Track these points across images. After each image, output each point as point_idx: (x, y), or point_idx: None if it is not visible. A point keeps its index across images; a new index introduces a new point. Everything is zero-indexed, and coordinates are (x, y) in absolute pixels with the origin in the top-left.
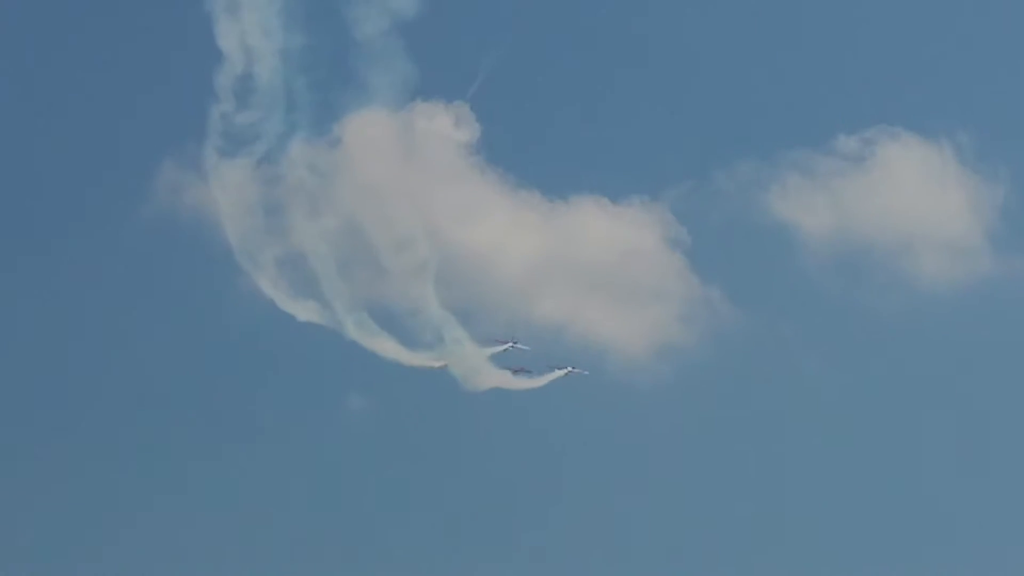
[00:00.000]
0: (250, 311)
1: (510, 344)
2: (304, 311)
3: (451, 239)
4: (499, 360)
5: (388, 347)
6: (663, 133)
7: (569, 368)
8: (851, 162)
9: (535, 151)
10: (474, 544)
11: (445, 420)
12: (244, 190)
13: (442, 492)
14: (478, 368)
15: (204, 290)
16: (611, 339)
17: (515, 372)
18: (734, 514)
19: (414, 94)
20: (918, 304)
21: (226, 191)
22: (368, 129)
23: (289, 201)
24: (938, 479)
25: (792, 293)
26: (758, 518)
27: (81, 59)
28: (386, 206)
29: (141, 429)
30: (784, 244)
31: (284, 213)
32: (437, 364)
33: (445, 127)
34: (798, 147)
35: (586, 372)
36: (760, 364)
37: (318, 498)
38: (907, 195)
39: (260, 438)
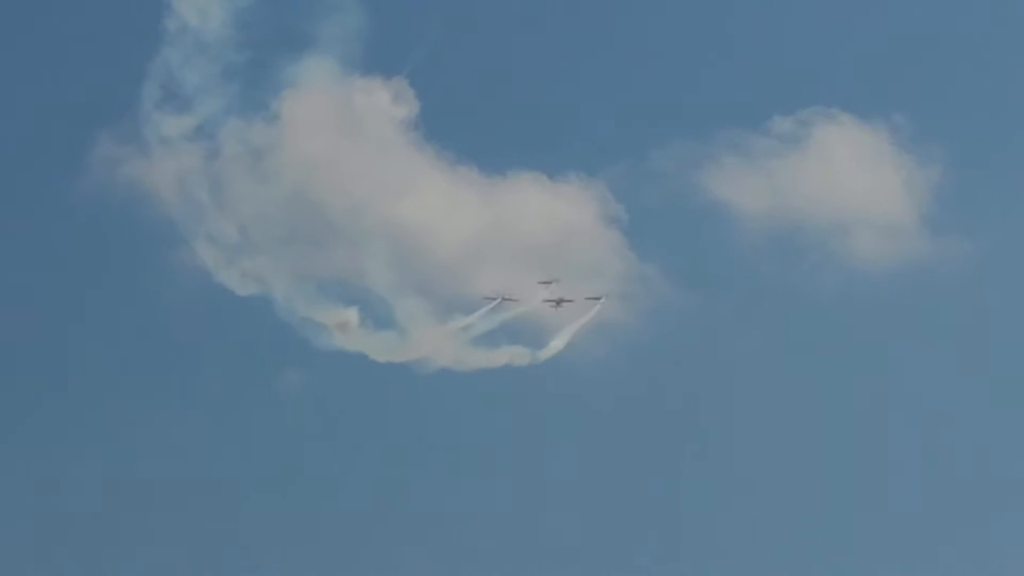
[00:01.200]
0: (188, 285)
1: (553, 282)
2: (242, 285)
3: (389, 215)
4: (542, 294)
5: (333, 322)
6: (601, 111)
7: (604, 296)
8: (787, 143)
9: (473, 127)
10: (409, 523)
11: (381, 398)
12: (182, 165)
13: (376, 470)
14: (435, 344)
15: (142, 264)
16: (548, 316)
17: (557, 303)
18: (670, 493)
19: (352, 69)
20: (853, 284)
21: (164, 166)
22: (306, 104)
23: (227, 176)
24: (872, 457)
25: (728, 272)
26: (694, 496)
27: (14, 32)
28: (324, 181)
29: (76, 403)
30: (720, 223)
31: (222, 188)
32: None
33: (383, 103)
34: (734, 127)
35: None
36: (696, 342)
37: (251, 475)
38: (843, 176)
39: (196, 413)
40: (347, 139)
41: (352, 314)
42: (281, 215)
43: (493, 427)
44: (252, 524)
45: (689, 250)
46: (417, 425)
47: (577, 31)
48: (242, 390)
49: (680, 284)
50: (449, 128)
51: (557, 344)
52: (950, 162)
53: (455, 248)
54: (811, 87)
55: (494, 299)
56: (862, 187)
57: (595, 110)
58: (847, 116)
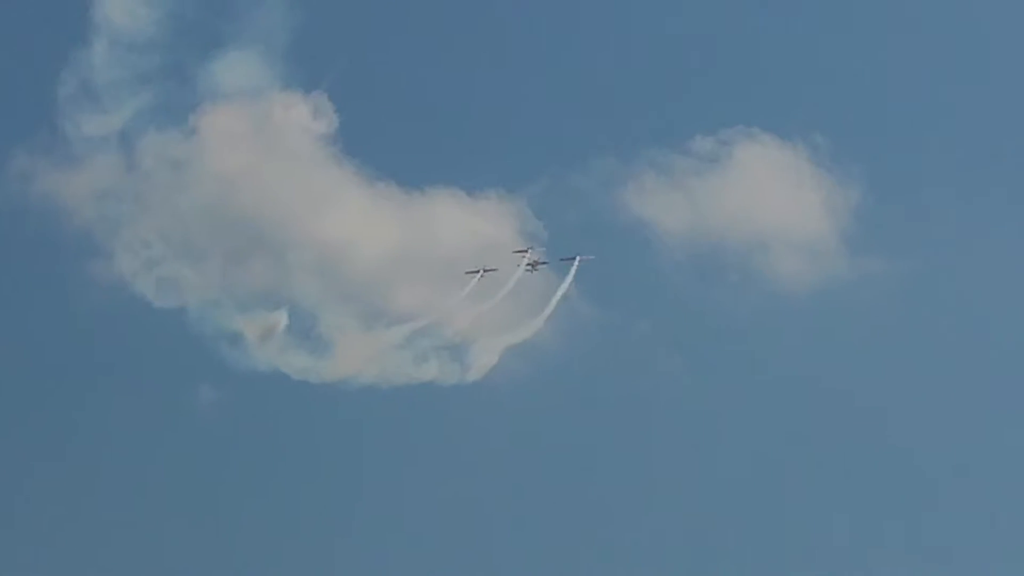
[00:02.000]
0: (104, 299)
1: (529, 249)
2: (160, 299)
3: (308, 229)
4: (517, 259)
5: (258, 328)
6: (521, 128)
7: (579, 256)
8: (708, 162)
9: (392, 143)
10: (327, 544)
11: (298, 415)
12: (98, 179)
13: (291, 487)
14: (356, 359)
15: (56, 278)
16: (467, 333)
17: (532, 267)
18: (590, 510)
19: (272, 83)
20: (772, 303)
21: (80, 179)
22: (225, 118)
23: (144, 190)
24: (791, 477)
25: (648, 290)
26: (614, 513)
27: None
28: (243, 195)
29: None
30: (640, 242)
31: (139, 202)
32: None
33: (303, 117)
34: (655, 146)
35: (592, 257)
36: (616, 360)
37: (165, 492)
38: (763, 195)
39: (110, 429)
40: (266, 153)
41: (280, 317)
42: (199, 229)
43: (409, 446)
44: (163, 544)
45: (609, 269)
46: (336, 443)
47: (498, 49)
48: (158, 405)
49: (601, 302)
50: (369, 143)
51: (489, 360)
52: (869, 182)
53: (374, 263)
54: (732, 107)
55: (476, 271)
56: (782, 206)
57: (515, 127)
58: (768, 136)
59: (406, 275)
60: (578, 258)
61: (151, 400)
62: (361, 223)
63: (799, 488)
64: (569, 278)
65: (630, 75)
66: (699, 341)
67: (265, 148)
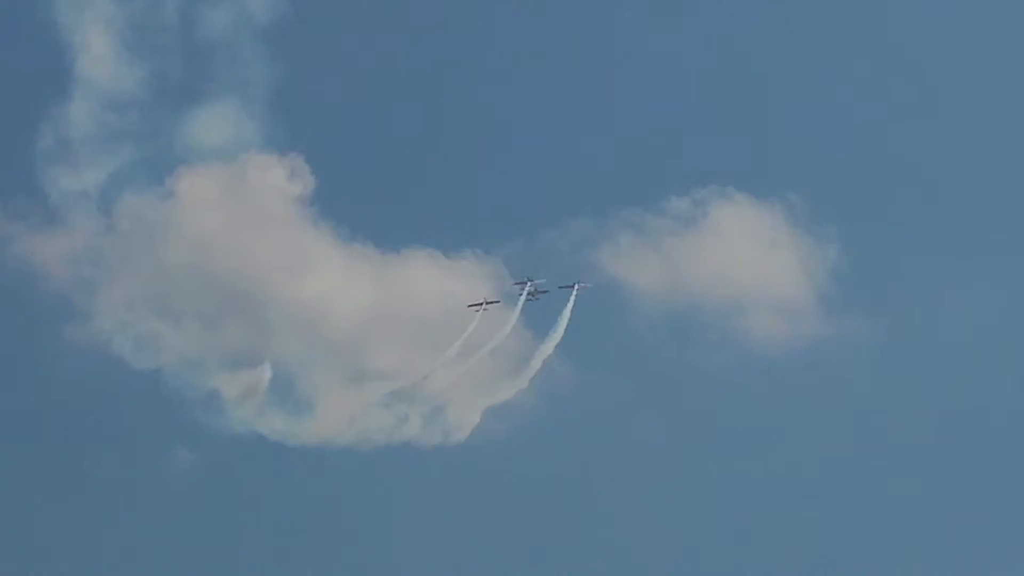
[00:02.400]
0: (79, 362)
1: (527, 282)
2: (137, 362)
3: (285, 291)
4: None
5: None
6: (497, 189)
7: (579, 284)
8: (683, 222)
9: (369, 204)
10: None
11: (276, 478)
12: (75, 241)
13: (269, 552)
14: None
15: (32, 340)
16: (447, 393)
17: (532, 296)
18: (572, 571)
19: (249, 146)
20: (749, 364)
21: (56, 242)
22: (201, 181)
23: (121, 252)
24: (769, 536)
25: (624, 350)
26: (595, 573)
27: None
28: (220, 257)
29: None
30: (617, 302)
31: (116, 264)
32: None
33: (279, 179)
34: (630, 206)
35: (590, 285)
36: (592, 421)
37: (142, 556)
38: (739, 255)
39: (87, 493)
40: (243, 215)
41: (259, 377)
42: (177, 291)
43: (386, 507)
44: None
45: (586, 329)
46: (315, 506)
47: (475, 109)
48: (135, 468)
49: (577, 363)
50: (345, 205)
51: (469, 421)
52: (846, 242)
53: (351, 324)
54: (707, 167)
55: (479, 304)
56: (759, 267)
57: (491, 187)
58: (743, 196)
59: (383, 335)
60: (577, 285)
61: (128, 463)
62: (337, 284)
63: (778, 548)
64: (569, 305)
65: (605, 136)
66: (677, 401)
67: (242, 210)
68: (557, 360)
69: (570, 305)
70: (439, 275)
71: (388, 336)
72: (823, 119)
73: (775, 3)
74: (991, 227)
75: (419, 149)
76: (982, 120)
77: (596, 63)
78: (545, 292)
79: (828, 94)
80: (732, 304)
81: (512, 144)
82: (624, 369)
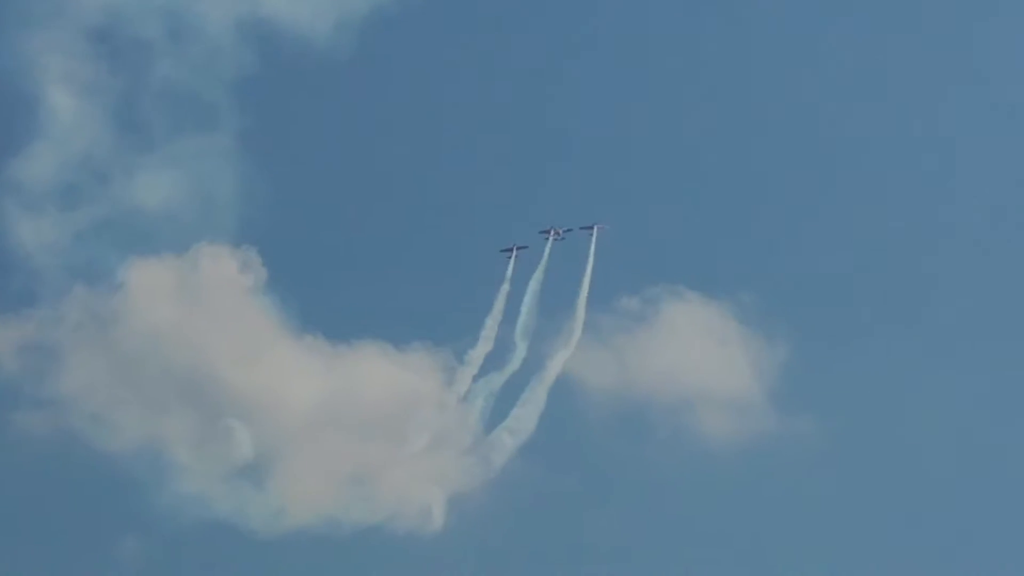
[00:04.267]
0: (27, 451)
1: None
2: (83, 451)
3: (235, 382)
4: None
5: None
6: (449, 281)
7: (597, 225)
8: (634, 319)
9: (320, 296)
10: None
11: (228, 566)
12: (25, 332)
13: None
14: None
15: None
16: (395, 485)
17: (557, 235)
18: None
19: (200, 237)
20: (700, 461)
21: (5, 333)
22: (151, 273)
23: (71, 344)
24: None
25: (576, 447)
26: None
27: None
28: (170, 349)
29: None
30: (568, 398)
31: (66, 354)
32: None
33: (231, 270)
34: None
35: (607, 226)
36: (543, 516)
37: None
38: (690, 353)
39: None
40: (194, 306)
41: (218, 460)
42: (126, 382)
43: None
44: None
45: (537, 423)
46: None
47: (426, 203)
48: (83, 557)
49: (528, 458)
50: (295, 296)
51: (420, 511)
52: (796, 340)
53: (303, 414)
54: (657, 265)
55: (509, 249)
56: (709, 364)
57: (443, 281)
58: (693, 294)
59: (335, 426)
60: (596, 227)
61: (77, 552)
62: (289, 375)
63: None
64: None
65: None
66: (627, 498)
67: (192, 301)
68: (508, 453)
69: (536, 401)
70: (390, 367)
71: (340, 426)
72: (773, 218)
73: (725, 105)
74: (943, 326)
75: (370, 242)
76: (933, 211)
77: (546, 164)
78: (570, 230)
79: (778, 194)
80: (683, 401)
81: (463, 238)
82: (575, 464)
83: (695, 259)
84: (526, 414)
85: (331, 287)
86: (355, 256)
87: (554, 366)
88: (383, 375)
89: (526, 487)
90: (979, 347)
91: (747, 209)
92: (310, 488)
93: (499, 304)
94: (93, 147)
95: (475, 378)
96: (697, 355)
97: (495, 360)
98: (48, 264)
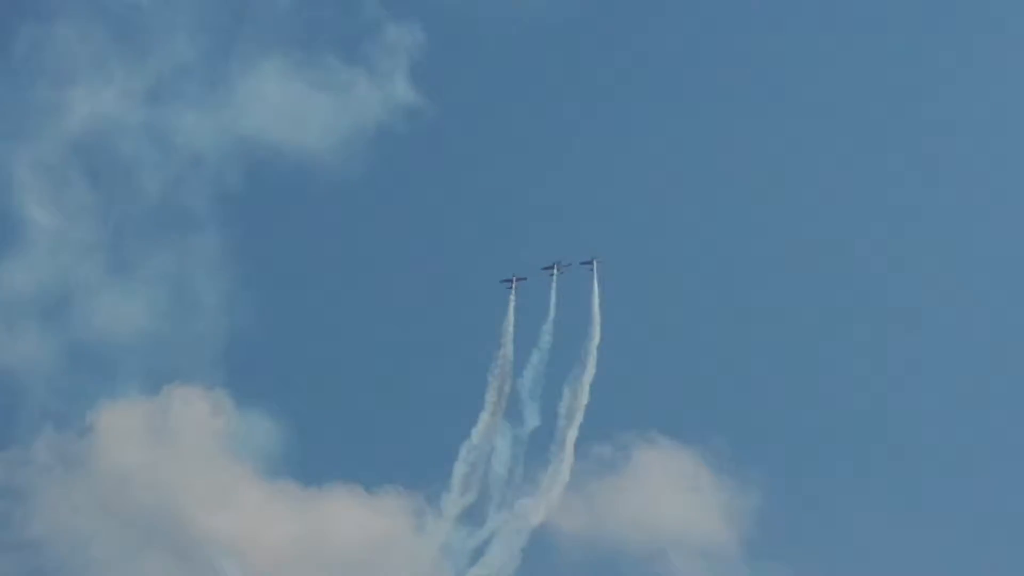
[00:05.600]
0: None
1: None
2: None
3: (205, 525)
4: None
5: None
6: (419, 425)
7: (594, 260)
8: (606, 466)
9: (292, 438)
10: None
11: None
12: None
13: None
14: None
15: None
16: None
17: (560, 269)
18: None
19: (171, 379)
20: None
21: None
22: (121, 415)
23: (38, 487)
24: None
25: None
26: None
27: None
28: (139, 492)
29: None
30: (540, 544)
31: (33, 498)
32: None
33: (201, 413)
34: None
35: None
36: None
37: None
38: (661, 499)
39: None
40: (163, 449)
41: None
42: (94, 525)
43: None
44: None
45: (510, 569)
46: None
47: (398, 348)
48: None
49: None
50: (267, 439)
51: None
52: (769, 486)
53: (274, 557)
54: (628, 411)
55: (509, 280)
56: (681, 510)
57: (413, 423)
58: (666, 439)
59: (306, 569)
60: (596, 261)
61: None
62: (259, 518)
63: None
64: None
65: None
66: None
67: (162, 444)
68: None
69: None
70: (361, 510)
71: (311, 570)
72: (744, 364)
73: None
74: (914, 470)
75: (341, 385)
76: (907, 346)
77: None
78: (569, 265)
79: (747, 341)
80: (654, 548)
81: (433, 385)
82: None
83: (667, 406)
84: (499, 560)
85: (302, 429)
86: (326, 399)
87: (533, 515)
88: (354, 518)
89: None
90: (952, 497)
91: (719, 355)
92: None
93: (466, 455)
94: (68, 267)
95: (447, 520)
96: (669, 501)
97: (469, 507)
98: (15, 409)
